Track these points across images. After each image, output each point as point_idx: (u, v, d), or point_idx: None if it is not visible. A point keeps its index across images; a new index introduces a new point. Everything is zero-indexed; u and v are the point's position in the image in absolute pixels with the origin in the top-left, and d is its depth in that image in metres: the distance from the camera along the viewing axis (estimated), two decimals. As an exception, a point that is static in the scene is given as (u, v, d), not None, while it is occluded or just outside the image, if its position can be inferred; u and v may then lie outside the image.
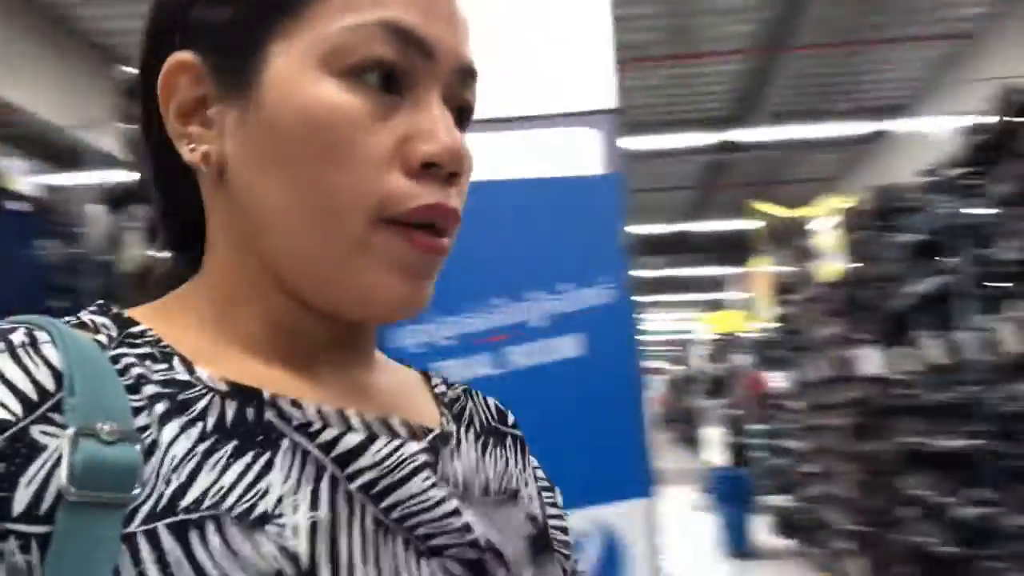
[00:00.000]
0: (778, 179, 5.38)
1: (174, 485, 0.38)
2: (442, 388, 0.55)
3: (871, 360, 4.83)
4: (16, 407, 0.37)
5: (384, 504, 0.43)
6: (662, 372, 22.74)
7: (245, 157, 0.44)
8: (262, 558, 0.38)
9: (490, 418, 0.56)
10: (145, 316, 0.46)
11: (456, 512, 0.45)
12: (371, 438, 0.44)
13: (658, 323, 20.57)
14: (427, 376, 0.56)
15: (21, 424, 0.36)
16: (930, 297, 4.06)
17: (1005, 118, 3.40)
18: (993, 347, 3.37)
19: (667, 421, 19.41)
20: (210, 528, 0.37)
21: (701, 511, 7.67)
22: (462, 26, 0.47)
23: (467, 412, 0.55)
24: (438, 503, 0.45)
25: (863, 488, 4.95)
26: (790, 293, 7.05)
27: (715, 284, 14.30)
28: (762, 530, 6.82)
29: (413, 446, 0.45)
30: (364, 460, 0.43)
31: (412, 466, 0.45)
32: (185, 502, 0.38)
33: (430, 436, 0.47)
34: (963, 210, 3.70)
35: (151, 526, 0.36)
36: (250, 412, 0.42)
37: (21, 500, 0.35)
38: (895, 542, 4.43)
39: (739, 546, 6.44)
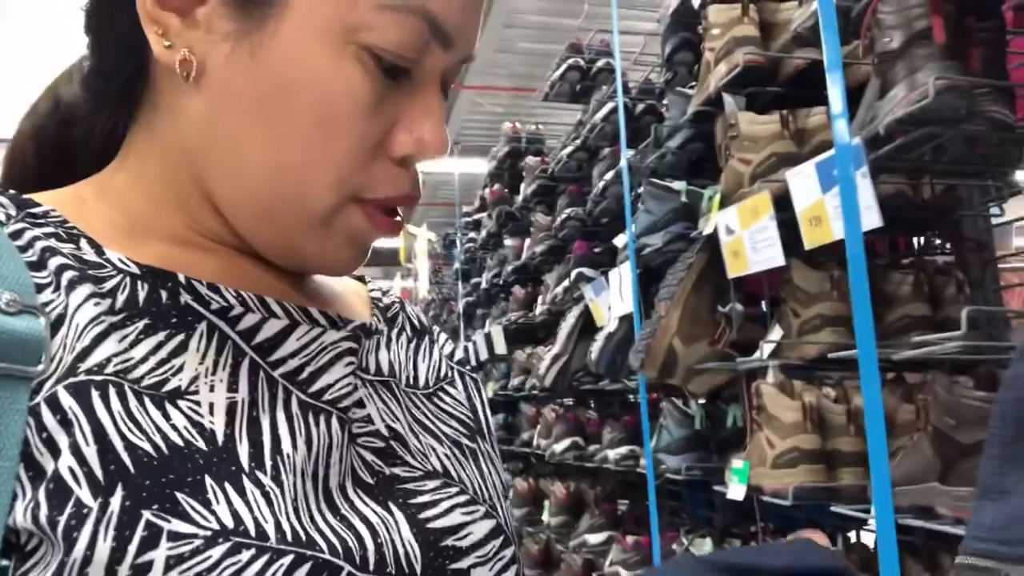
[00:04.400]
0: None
1: (77, 350, 0.36)
2: (377, 294, 0.55)
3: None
4: None
5: (313, 389, 0.42)
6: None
7: (233, 89, 0.40)
8: (172, 428, 0.36)
9: (420, 323, 0.55)
10: (47, 199, 0.43)
11: (360, 403, 0.44)
12: (293, 325, 0.42)
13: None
14: (364, 281, 0.55)
15: None
16: (468, 311, 5.00)
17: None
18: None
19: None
20: (112, 391, 0.35)
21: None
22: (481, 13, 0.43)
23: (400, 317, 0.54)
24: (354, 389, 0.44)
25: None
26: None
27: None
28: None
29: (333, 334, 0.44)
30: (287, 347, 0.42)
31: (335, 352, 0.43)
32: (86, 364, 0.36)
33: (350, 326, 0.45)
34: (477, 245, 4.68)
35: (52, 391, 0.35)
36: (164, 294, 0.40)
37: None
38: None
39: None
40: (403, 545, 0.40)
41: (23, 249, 0.38)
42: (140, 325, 0.38)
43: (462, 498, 0.45)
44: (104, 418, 0.35)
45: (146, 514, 0.33)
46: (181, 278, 0.41)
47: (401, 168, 0.43)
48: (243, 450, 0.37)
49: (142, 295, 0.39)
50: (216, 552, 0.33)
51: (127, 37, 0.42)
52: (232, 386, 0.39)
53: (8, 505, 0.33)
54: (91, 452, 0.34)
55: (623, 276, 2.24)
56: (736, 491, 1.59)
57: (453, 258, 5.54)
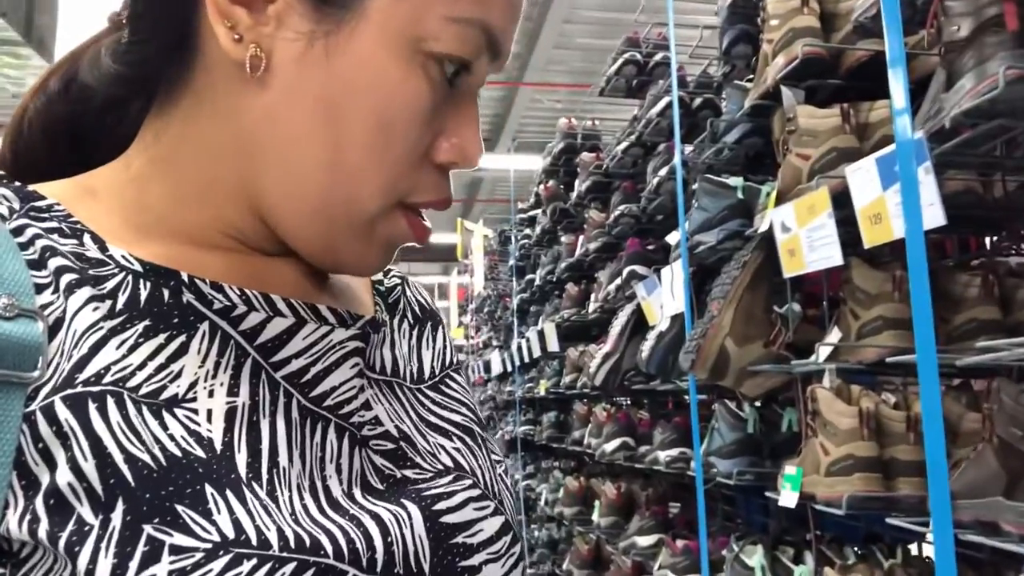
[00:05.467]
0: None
1: (75, 359, 0.36)
2: (379, 276, 0.54)
3: (496, 361, 5.74)
4: None
5: (315, 392, 0.41)
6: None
7: (300, 87, 0.40)
8: (170, 439, 0.35)
9: (423, 305, 0.55)
10: (54, 191, 0.42)
11: (368, 405, 0.44)
12: (299, 324, 0.42)
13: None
14: None
15: None
16: (522, 308, 5.05)
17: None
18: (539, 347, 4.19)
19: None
20: (110, 403, 0.35)
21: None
22: None
23: (402, 302, 0.53)
24: (360, 391, 0.43)
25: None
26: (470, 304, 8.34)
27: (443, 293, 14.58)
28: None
29: (342, 333, 0.43)
30: (292, 347, 0.41)
31: (342, 352, 0.43)
32: (84, 375, 0.35)
33: (359, 323, 0.44)
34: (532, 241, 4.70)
35: (48, 401, 0.34)
36: (166, 293, 0.39)
37: None
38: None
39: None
40: (414, 543, 0.39)
41: (24, 247, 0.38)
42: (140, 328, 0.38)
43: (475, 492, 0.44)
44: (102, 431, 0.34)
45: (147, 528, 0.33)
46: (184, 276, 0.40)
47: (441, 174, 0.44)
48: (241, 459, 0.37)
49: (144, 294, 0.39)
50: (217, 565, 0.33)
51: (176, 28, 0.42)
52: (233, 389, 0.39)
53: (0, 513, 0.33)
54: (90, 467, 0.34)
55: (675, 274, 2.20)
56: (788, 498, 1.53)
57: (508, 254, 5.54)
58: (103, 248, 0.40)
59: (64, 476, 0.33)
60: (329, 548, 0.36)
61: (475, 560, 0.42)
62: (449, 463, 0.45)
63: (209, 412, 0.37)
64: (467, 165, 0.44)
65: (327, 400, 0.42)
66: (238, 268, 0.43)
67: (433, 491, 0.42)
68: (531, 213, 4.84)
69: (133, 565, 0.32)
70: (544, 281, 4.26)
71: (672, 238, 2.30)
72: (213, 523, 0.34)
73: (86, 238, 0.40)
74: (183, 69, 0.43)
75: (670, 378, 2.30)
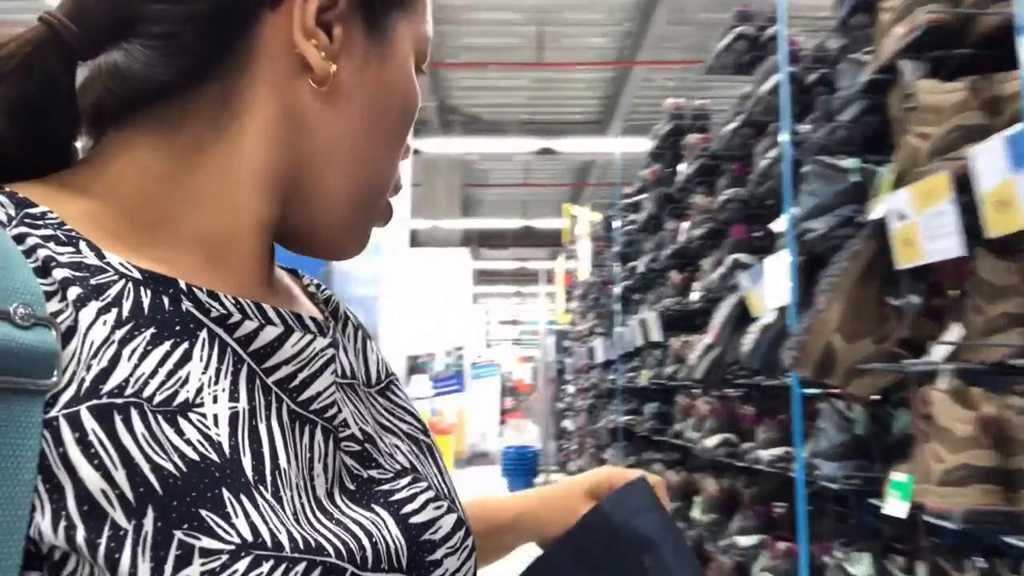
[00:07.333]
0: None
1: (95, 370, 0.37)
2: (312, 288, 0.56)
3: (600, 349, 5.74)
4: None
5: (302, 397, 0.44)
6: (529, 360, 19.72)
7: (356, 96, 0.47)
8: (187, 444, 0.37)
9: (354, 318, 0.57)
10: (40, 196, 0.42)
11: (339, 408, 0.46)
12: (288, 332, 0.44)
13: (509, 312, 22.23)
14: (296, 275, 0.56)
15: None
16: (625, 295, 5.04)
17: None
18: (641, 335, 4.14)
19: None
20: (134, 414, 0.36)
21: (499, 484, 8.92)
22: None
23: (342, 309, 0.56)
24: (334, 395, 0.46)
25: (593, 459, 6.32)
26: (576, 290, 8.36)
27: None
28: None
29: (322, 341, 0.46)
30: (282, 354, 0.43)
31: (324, 359, 0.45)
32: (107, 387, 0.36)
33: (331, 330, 0.47)
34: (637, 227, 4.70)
35: (73, 409, 0.35)
36: (166, 301, 0.41)
37: None
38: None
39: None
40: (393, 542, 0.43)
41: (27, 254, 0.38)
42: (147, 335, 0.39)
43: (430, 493, 0.48)
44: (129, 443, 0.36)
45: (178, 534, 0.35)
46: (182, 285, 0.41)
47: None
48: (247, 462, 0.39)
49: (146, 302, 0.40)
50: (241, 565, 0.35)
51: (224, 46, 0.44)
52: (233, 395, 0.40)
53: (28, 516, 0.34)
54: (121, 476, 0.35)
55: (781, 264, 2.07)
56: (896, 507, 1.41)
57: (613, 240, 5.44)
58: (100, 255, 0.40)
59: (96, 483, 0.35)
60: (330, 549, 0.39)
61: (438, 555, 0.46)
62: (406, 464, 0.49)
63: (215, 417, 0.39)
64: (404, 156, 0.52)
65: (313, 404, 0.45)
66: (227, 274, 0.45)
67: (398, 495, 0.46)
68: (635, 198, 4.73)
69: (168, 569, 0.34)
70: (647, 268, 4.16)
71: (777, 225, 2.17)
72: (232, 526, 0.36)
73: (82, 245, 0.40)
74: (218, 82, 0.44)
75: (775, 374, 2.18)
